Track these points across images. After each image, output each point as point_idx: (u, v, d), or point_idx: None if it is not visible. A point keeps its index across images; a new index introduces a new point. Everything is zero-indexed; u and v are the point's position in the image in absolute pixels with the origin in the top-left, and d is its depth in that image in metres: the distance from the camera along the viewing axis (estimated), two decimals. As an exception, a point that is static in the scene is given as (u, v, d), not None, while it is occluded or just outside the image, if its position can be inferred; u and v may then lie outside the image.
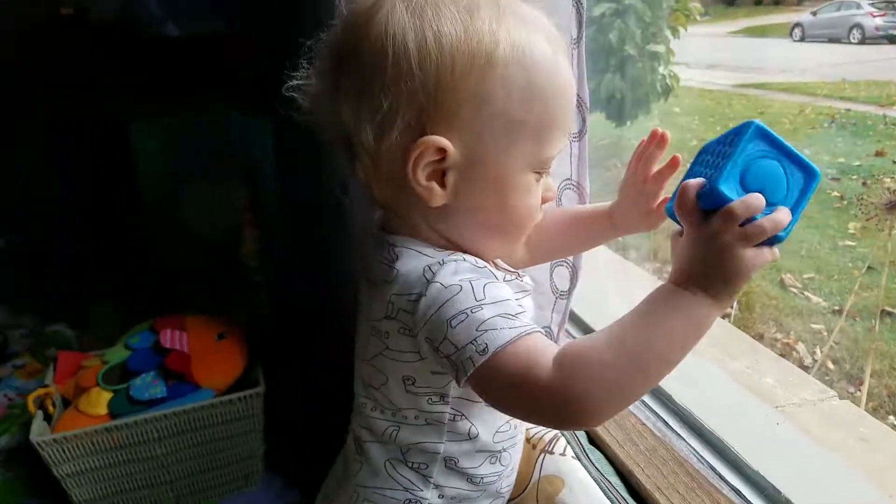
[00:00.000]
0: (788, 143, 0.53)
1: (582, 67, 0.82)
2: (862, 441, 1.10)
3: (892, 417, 1.30)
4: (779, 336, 1.82)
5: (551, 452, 0.86)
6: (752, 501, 0.79)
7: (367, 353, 0.67)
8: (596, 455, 0.89)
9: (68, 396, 1.43)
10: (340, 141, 0.63)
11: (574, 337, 1.12)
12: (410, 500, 0.69)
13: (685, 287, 0.52)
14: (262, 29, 1.70)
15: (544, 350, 0.53)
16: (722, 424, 0.89)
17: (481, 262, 0.60)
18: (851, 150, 2.50)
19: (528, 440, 0.87)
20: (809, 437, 0.93)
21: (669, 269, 0.55)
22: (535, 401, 0.53)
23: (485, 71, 0.55)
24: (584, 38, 0.83)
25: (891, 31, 2.25)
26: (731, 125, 0.56)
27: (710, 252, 0.52)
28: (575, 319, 1.14)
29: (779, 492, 0.78)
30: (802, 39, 2.79)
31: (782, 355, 1.59)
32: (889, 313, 1.55)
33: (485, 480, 0.71)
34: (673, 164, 0.68)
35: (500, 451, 0.71)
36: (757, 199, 0.51)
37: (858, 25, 2.38)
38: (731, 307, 1.96)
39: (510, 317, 0.55)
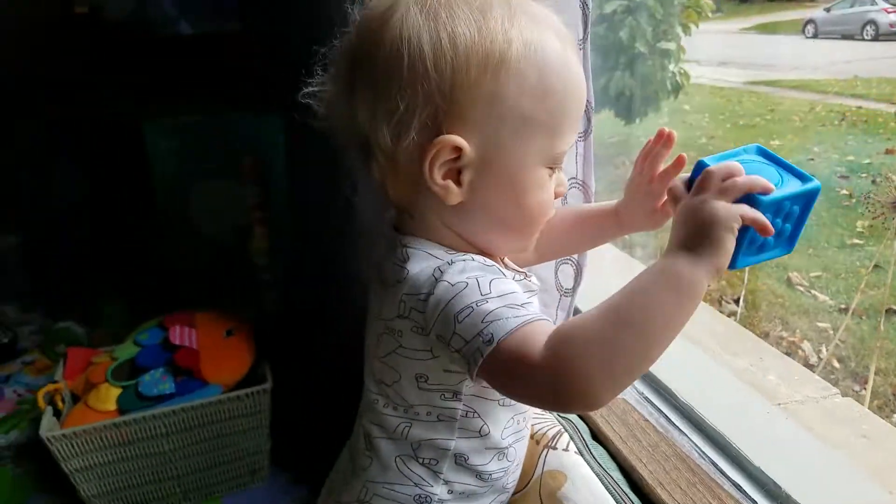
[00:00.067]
0: (792, 164, 0.55)
1: (587, 67, 0.83)
2: (864, 438, 1.10)
3: (896, 416, 1.30)
4: (784, 334, 1.82)
5: (554, 448, 0.87)
6: (752, 496, 0.79)
7: (379, 350, 0.67)
8: (599, 451, 0.90)
9: (78, 392, 1.44)
10: (356, 143, 0.64)
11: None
12: (420, 496, 0.70)
13: (671, 254, 0.53)
14: (273, 29, 1.71)
15: (542, 333, 0.53)
16: (724, 421, 0.89)
17: (490, 262, 0.61)
18: (862, 148, 2.49)
19: (531, 436, 0.87)
20: (811, 434, 0.93)
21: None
22: (532, 383, 0.54)
23: (499, 70, 0.56)
24: (589, 38, 0.83)
25: (906, 28, 2.23)
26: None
27: (689, 213, 0.54)
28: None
29: (779, 487, 0.78)
30: (815, 36, 2.78)
31: (788, 353, 1.59)
32: (895, 312, 1.55)
33: (493, 476, 0.72)
34: (678, 163, 0.68)
35: (507, 448, 0.72)
36: (734, 165, 0.53)
37: (872, 22, 2.37)
38: (739, 305, 1.96)
39: (516, 307, 0.55)
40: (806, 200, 0.55)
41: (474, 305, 0.55)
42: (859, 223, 2.09)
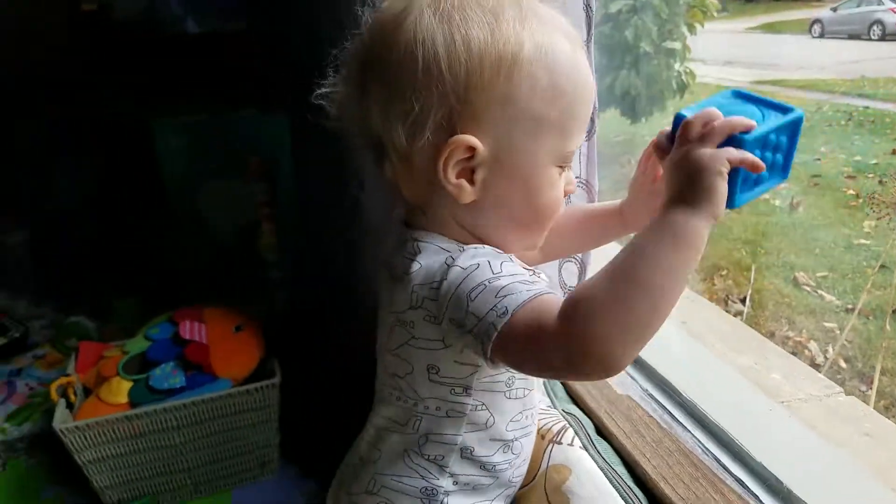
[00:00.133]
0: (771, 98, 0.56)
1: (591, 68, 0.84)
2: (866, 436, 1.11)
3: (903, 415, 1.31)
4: (791, 334, 1.82)
5: (559, 443, 0.88)
6: (754, 491, 0.80)
7: (391, 343, 0.69)
8: (603, 445, 0.91)
9: (89, 385, 1.46)
10: (368, 143, 0.65)
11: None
12: (427, 488, 0.72)
13: (668, 209, 0.54)
14: (280, 28, 1.72)
15: (555, 304, 0.54)
16: (727, 417, 0.91)
17: (500, 250, 0.63)
18: (869, 148, 2.49)
19: (537, 431, 0.89)
20: (813, 432, 0.94)
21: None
22: (550, 353, 0.54)
23: (511, 72, 0.58)
24: (593, 39, 0.85)
25: (913, 28, 2.23)
26: None
27: (676, 165, 0.55)
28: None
29: (781, 483, 0.79)
30: (822, 36, 2.77)
31: (794, 353, 1.60)
32: (900, 312, 1.55)
33: (497, 468, 0.73)
34: None
35: (511, 440, 0.73)
36: (711, 110, 0.54)
37: (879, 22, 2.37)
38: (746, 305, 1.97)
39: (527, 282, 0.57)
40: (791, 130, 0.56)
41: (486, 283, 0.57)
42: (866, 223, 2.10)
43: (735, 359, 1.31)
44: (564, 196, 0.67)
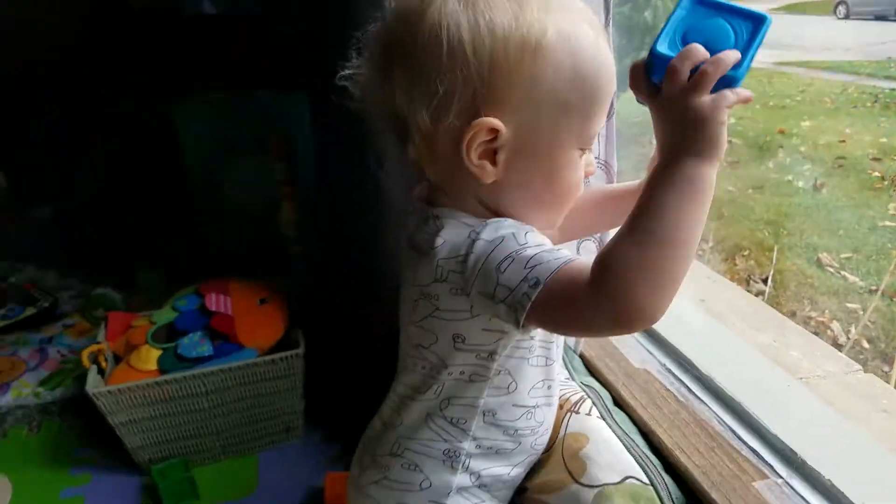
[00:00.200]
0: (732, 2, 0.55)
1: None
2: (884, 412, 1.11)
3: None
4: (813, 314, 1.82)
5: (577, 412, 0.90)
6: (769, 461, 0.82)
7: (415, 315, 0.70)
8: (620, 415, 0.93)
9: (119, 353, 1.51)
10: (391, 124, 0.66)
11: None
12: (449, 450, 0.74)
13: (675, 160, 0.55)
14: (298, 8, 1.73)
15: (584, 267, 0.56)
16: (744, 392, 0.92)
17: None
18: (895, 130, 2.45)
19: (556, 402, 0.90)
20: (831, 408, 0.95)
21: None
22: (585, 312, 0.56)
23: (535, 56, 0.58)
24: (611, 24, 0.86)
25: (942, 8, 2.19)
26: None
27: (671, 115, 0.56)
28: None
29: (795, 453, 0.81)
30: (847, 17, 2.73)
31: (816, 333, 1.60)
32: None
33: (520, 433, 0.75)
34: None
35: (534, 407, 0.75)
36: (695, 49, 0.54)
37: (907, 3, 2.32)
38: (768, 285, 1.96)
39: (554, 251, 0.59)
40: (763, 35, 0.55)
41: (514, 255, 0.58)
42: (891, 205, 2.08)
43: (755, 337, 1.31)
44: (585, 177, 0.68)
